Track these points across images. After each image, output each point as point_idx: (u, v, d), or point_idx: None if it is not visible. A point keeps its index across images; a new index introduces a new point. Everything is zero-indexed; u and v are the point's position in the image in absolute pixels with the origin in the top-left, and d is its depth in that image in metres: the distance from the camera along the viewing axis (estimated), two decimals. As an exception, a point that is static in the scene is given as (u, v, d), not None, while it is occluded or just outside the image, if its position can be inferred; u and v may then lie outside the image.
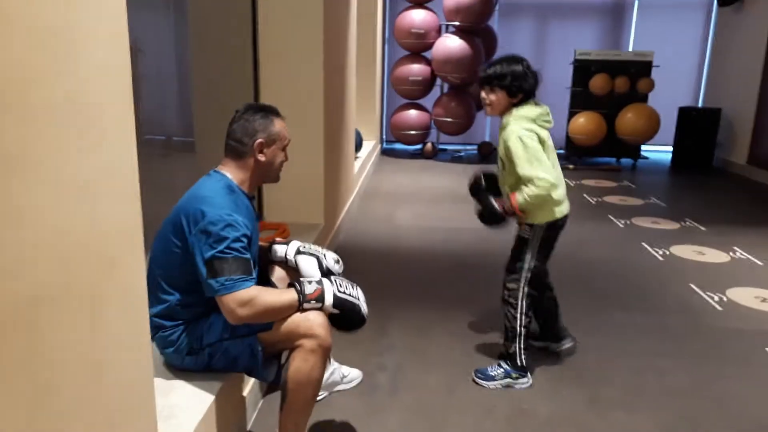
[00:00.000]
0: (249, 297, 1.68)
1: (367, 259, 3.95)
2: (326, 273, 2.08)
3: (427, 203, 5.67)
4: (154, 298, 1.85)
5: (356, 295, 1.85)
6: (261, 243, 2.17)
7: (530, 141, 2.32)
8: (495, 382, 2.48)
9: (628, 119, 7.38)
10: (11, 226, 0.84)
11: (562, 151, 8.32)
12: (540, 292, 2.60)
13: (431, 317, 3.12)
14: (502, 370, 2.50)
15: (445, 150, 8.75)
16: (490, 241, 4.40)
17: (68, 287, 0.98)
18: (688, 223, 5.11)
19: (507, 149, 2.37)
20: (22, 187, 0.86)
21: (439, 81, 7.99)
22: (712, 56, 8.57)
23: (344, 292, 1.82)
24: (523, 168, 2.30)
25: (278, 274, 2.19)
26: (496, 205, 2.43)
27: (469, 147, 8.88)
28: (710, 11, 8.60)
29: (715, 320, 3.18)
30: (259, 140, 1.87)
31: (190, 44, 3.49)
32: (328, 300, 1.79)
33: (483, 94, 2.46)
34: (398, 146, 8.83)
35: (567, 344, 2.73)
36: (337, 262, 2.18)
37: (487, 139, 8.95)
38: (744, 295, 3.51)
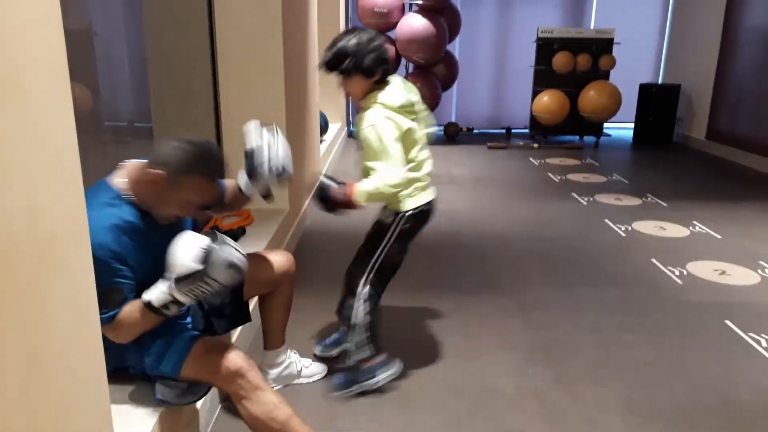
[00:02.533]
0: (110, 328, 1.60)
1: (334, 243, 3.92)
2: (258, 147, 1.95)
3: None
4: None
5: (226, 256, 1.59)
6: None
7: (385, 132, 2.08)
8: (349, 390, 2.30)
9: (591, 97, 7.46)
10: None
11: (526, 130, 8.41)
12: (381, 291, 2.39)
13: (395, 299, 3.11)
14: (349, 376, 2.31)
15: (411, 131, 8.70)
16: (459, 220, 4.41)
17: (4, 275, 0.93)
18: (649, 198, 5.20)
19: (360, 137, 2.15)
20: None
21: (404, 61, 7.93)
22: (671, 33, 8.70)
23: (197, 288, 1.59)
24: (371, 161, 2.10)
25: (258, 269, 2.07)
26: (333, 184, 2.15)
27: (435, 128, 8.87)
28: (669, -12, 8.70)
29: (676, 293, 3.25)
30: (158, 172, 1.62)
31: (144, 24, 3.37)
32: (182, 298, 1.59)
33: (339, 84, 2.17)
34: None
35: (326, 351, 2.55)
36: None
37: (453, 119, 8.96)
38: (703, 269, 3.59)
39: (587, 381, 2.41)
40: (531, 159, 6.95)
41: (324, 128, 6.37)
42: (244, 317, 2.07)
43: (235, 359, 1.69)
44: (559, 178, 6.00)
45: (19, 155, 0.95)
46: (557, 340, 2.73)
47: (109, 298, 1.56)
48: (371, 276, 2.29)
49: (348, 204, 2.13)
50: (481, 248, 3.88)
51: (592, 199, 5.18)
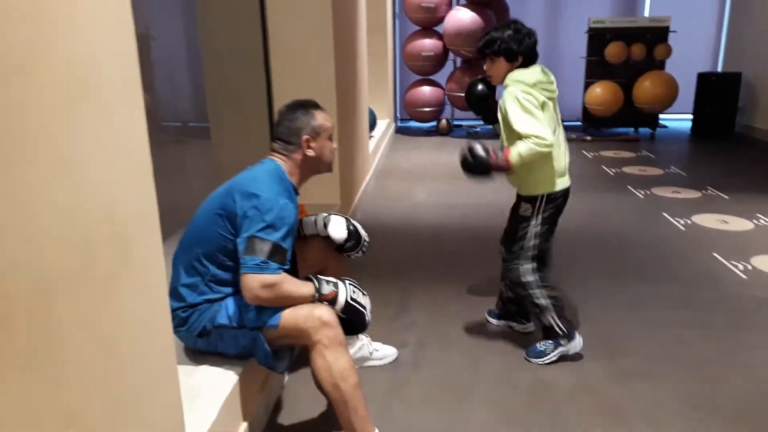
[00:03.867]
0: (273, 281, 1.74)
1: (386, 237, 3.95)
2: (352, 230, 2.22)
3: (444, 180, 5.63)
4: (184, 271, 1.89)
5: (365, 304, 1.94)
6: None
7: (527, 102, 2.27)
8: (547, 357, 2.46)
9: (646, 87, 7.24)
10: (24, 211, 0.85)
11: (578, 123, 8.22)
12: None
13: (451, 293, 3.11)
14: (550, 342, 2.47)
15: (460, 126, 8.66)
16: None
17: (84, 270, 0.98)
18: (709, 191, 5.02)
19: (504, 111, 2.33)
20: (35, 172, 0.86)
21: (451, 55, 7.88)
22: (730, 19, 8.34)
23: (355, 300, 1.90)
24: (519, 125, 2.26)
25: (308, 248, 2.21)
26: (483, 152, 2.35)
27: (484, 123, 8.77)
28: (729, -28, 8.35)
29: (740, 289, 3.13)
30: (305, 137, 1.94)
31: (199, 29, 3.47)
32: (340, 304, 1.87)
33: (485, 67, 2.45)
34: (413, 124, 8.76)
35: (532, 327, 2.71)
36: (364, 230, 2.29)
37: (501, 113, 8.85)
38: (769, 263, 3.45)
39: (646, 376, 2.36)
40: (584, 152, 6.81)
41: (372, 125, 6.41)
42: None
43: (328, 313, 1.80)
44: (614, 171, 5.86)
45: (100, 161, 1.02)
46: (615, 335, 2.67)
47: (277, 253, 1.75)
48: (530, 261, 2.45)
49: (501, 167, 2.32)
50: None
51: (649, 192, 5.04)
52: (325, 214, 2.25)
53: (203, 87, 3.55)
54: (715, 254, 3.60)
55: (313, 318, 1.78)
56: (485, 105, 2.61)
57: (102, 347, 1.04)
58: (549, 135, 2.25)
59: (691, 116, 7.94)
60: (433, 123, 8.31)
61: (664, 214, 4.39)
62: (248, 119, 3.62)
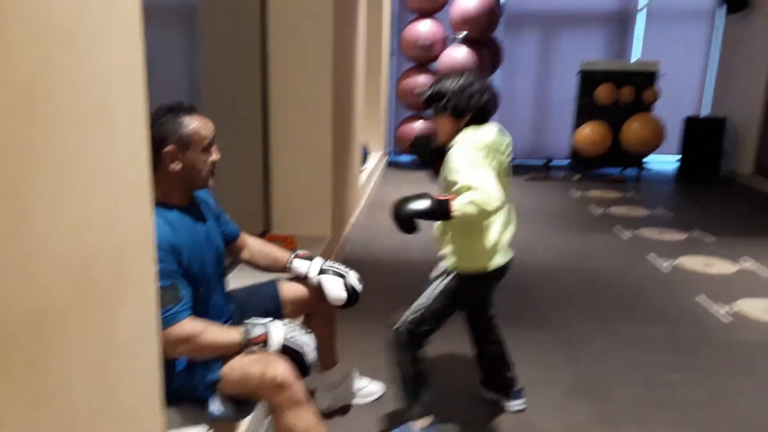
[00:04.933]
0: (188, 334, 1.62)
1: (375, 271, 3.95)
2: (350, 291, 2.10)
3: (434, 214, 5.65)
4: None
5: (303, 343, 1.77)
6: (278, 252, 2.16)
7: (476, 154, 1.96)
8: None
9: (634, 129, 7.39)
10: (22, 235, 0.86)
11: (566, 162, 8.34)
12: (482, 339, 2.40)
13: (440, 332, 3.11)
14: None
15: (450, 161, 8.75)
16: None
17: (82, 298, 0.99)
18: (695, 233, 5.10)
19: (448, 171, 2.00)
20: (38, 193, 0.88)
21: (444, 92, 8.00)
22: (718, 65, 8.58)
23: (291, 339, 1.76)
24: (465, 176, 1.90)
25: (295, 290, 2.15)
26: (431, 198, 1.95)
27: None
28: (714, 19, 8.61)
29: (725, 332, 3.16)
30: (169, 148, 1.68)
31: (201, 58, 3.53)
32: (273, 346, 1.74)
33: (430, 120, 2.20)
34: (405, 158, 8.85)
35: (517, 406, 2.41)
36: (360, 281, 2.17)
37: (492, 149, 8.96)
38: (753, 307, 3.49)
39: (633, 420, 2.36)
40: (571, 191, 6.90)
41: (365, 157, 6.47)
42: None
43: (282, 371, 1.68)
44: (600, 210, 5.94)
45: (101, 175, 1.03)
46: (601, 377, 2.69)
47: (165, 295, 1.57)
48: (407, 335, 2.16)
49: (442, 212, 1.92)
50: (522, 280, 3.85)
51: (635, 233, 5.10)
52: (319, 264, 2.12)
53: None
54: (701, 297, 3.64)
55: (265, 381, 1.67)
56: (427, 152, 2.31)
57: (94, 373, 1.04)
58: (499, 194, 1.88)
59: (677, 158, 8.09)
60: (425, 157, 8.38)
61: (650, 256, 4.44)
62: (243, 150, 3.64)
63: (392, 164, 8.58)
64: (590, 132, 7.57)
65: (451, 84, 2.07)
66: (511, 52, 8.53)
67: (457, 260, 2.12)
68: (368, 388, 2.44)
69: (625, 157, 7.70)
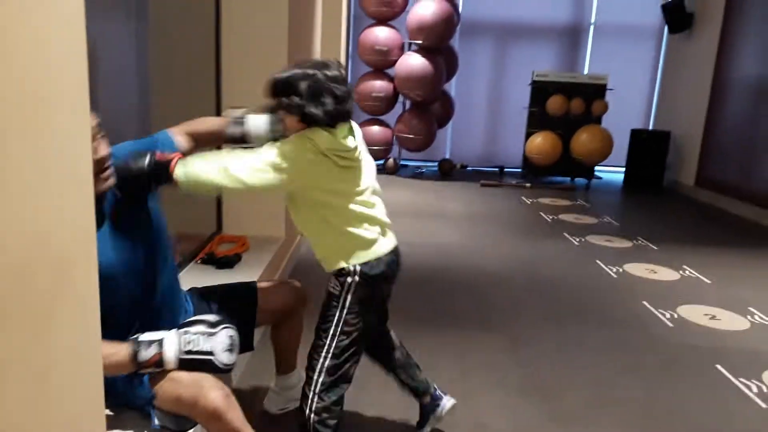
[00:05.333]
0: None
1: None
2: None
3: (390, 217, 5.66)
4: None
5: (209, 347, 1.59)
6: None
7: (290, 150, 1.71)
8: None
9: (583, 140, 7.60)
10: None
11: (519, 170, 8.51)
12: (384, 357, 2.24)
13: (400, 332, 3.10)
14: None
15: (406, 166, 8.81)
16: (452, 256, 4.43)
17: (19, 296, 0.94)
18: (640, 241, 5.26)
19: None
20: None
21: (401, 98, 8.06)
22: (662, 80, 8.92)
23: (191, 351, 1.58)
24: (249, 157, 1.69)
25: (274, 297, 2.13)
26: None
27: (429, 163, 8.96)
28: (661, 37, 8.96)
29: (667, 336, 3.27)
30: None
31: (150, 53, 3.43)
32: (170, 364, 1.57)
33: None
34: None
35: (450, 402, 2.23)
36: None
37: (447, 156, 9.06)
38: (694, 313, 3.62)
39: (580, 419, 2.41)
40: (523, 198, 7.03)
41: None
42: (247, 346, 2.07)
43: (215, 399, 1.55)
44: (551, 217, 6.06)
45: (35, 181, 0.97)
46: (550, 378, 2.73)
47: None
48: (325, 364, 1.87)
49: (162, 165, 1.64)
50: (473, 284, 3.89)
51: (583, 239, 5.23)
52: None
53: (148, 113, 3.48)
54: (645, 302, 3.75)
55: (198, 409, 1.56)
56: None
57: (33, 378, 0.98)
58: (252, 182, 1.67)
59: (624, 169, 8.36)
60: (381, 161, 8.41)
61: (598, 262, 4.56)
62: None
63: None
64: (541, 141, 7.75)
65: (302, 83, 1.70)
66: (467, 60, 8.66)
67: (330, 259, 2.01)
68: None
69: (574, 166, 7.91)
